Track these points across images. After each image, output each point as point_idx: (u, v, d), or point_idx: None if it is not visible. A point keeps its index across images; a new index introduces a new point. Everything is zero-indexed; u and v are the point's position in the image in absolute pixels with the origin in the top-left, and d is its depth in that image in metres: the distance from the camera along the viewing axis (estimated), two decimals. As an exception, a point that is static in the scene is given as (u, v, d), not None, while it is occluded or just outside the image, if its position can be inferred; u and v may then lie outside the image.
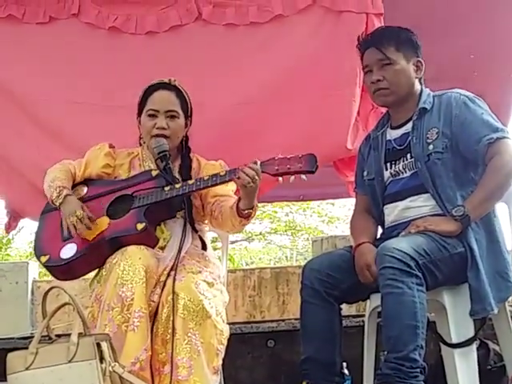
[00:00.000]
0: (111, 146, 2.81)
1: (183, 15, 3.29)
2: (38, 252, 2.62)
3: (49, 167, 2.82)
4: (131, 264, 2.37)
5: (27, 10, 3.31)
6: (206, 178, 2.54)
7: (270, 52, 3.24)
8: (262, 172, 2.43)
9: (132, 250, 2.41)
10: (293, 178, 2.43)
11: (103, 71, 3.28)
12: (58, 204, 2.61)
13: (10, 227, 3.46)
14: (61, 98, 3.29)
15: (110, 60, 3.30)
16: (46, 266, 2.58)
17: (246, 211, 2.50)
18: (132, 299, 2.32)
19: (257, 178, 2.40)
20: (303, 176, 2.43)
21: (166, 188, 2.55)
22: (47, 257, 2.56)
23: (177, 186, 2.54)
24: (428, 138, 2.47)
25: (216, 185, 2.53)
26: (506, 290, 2.43)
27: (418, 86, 2.57)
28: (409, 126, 2.55)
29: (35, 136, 3.30)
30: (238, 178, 2.42)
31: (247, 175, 2.40)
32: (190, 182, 2.55)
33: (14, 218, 3.44)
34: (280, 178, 2.45)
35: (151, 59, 3.26)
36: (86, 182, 2.74)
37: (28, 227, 3.55)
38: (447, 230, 2.36)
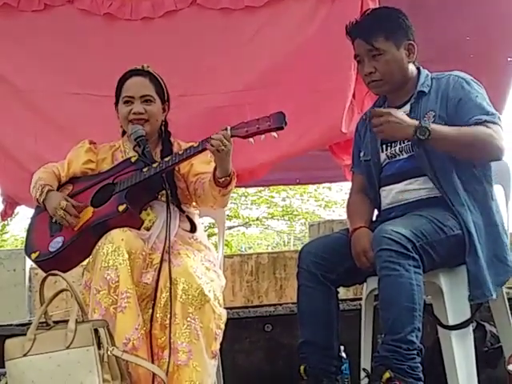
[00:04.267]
0: (92, 142, 2.84)
1: (178, 0, 3.27)
2: (29, 250, 2.64)
3: (46, 156, 2.82)
4: (114, 246, 2.40)
5: (22, -3, 3.29)
6: (180, 152, 2.57)
7: (267, 37, 3.23)
8: (233, 136, 2.46)
9: (115, 232, 2.44)
10: (263, 136, 2.45)
11: (99, 59, 3.28)
12: (41, 201, 2.64)
13: (5, 214, 3.47)
14: (57, 87, 3.30)
15: (106, 47, 3.29)
16: (37, 261, 2.59)
17: (223, 179, 2.52)
18: (117, 281, 2.35)
19: (226, 141, 2.43)
20: (274, 133, 2.44)
21: (145, 169, 2.58)
22: (37, 253, 2.59)
23: (154, 165, 2.57)
24: (425, 121, 2.46)
25: (191, 156, 2.55)
26: (504, 274, 2.43)
27: (412, 69, 2.55)
28: (406, 108, 2.53)
29: (32, 124, 3.30)
30: (211, 145, 2.44)
31: (217, 140, 2.43)
32: (166, 159, 2.58)
33: (9, 205, 3.45)
34: (251, 139, 2.47)
35: (147, 45, 3.25)
36: (72, 180, 2.76)
37: (23, 212, 3.56)
38: (398, 136, 2.39)
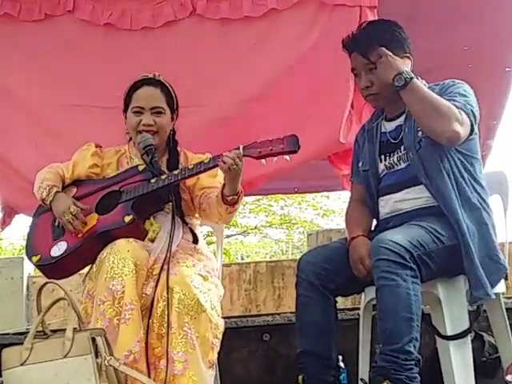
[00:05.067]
0: (98, 146, 2.82)
1: (177, 10, 3.28)
2: (30, 253, 2.62)
3: (45, 165, 2.81)
4: (120, 257, 2.38)
5: (23, 7, 3.29)
6: (190, 166, 2.55)
7: (267, 48, 3.24)
8: (245, 156, 2.45)
9: (121, 243, 2.42)
10: (275, 159, 2.45)
11: (100, 69, 3.27)
12: (48, 202, 2.62)
13: (4, 223, 3.46)
14: (58, 98, 3.29)
15: (107, 57, 3.29)
16: (38, 265, 2.58)
17: (231, 197, 2.51)
18: (122, 292, 2.34)
19: (238, 160, 2.42)
20: (286, 156, 2.44)
21: (152, 180, 2.56)
22: (38, 256, 2.57)
23: (162, 177, 2.55)
24: (418, 126, 2.46)
25: (200, 172, 2.54)
26: (496, 273, 2.42)
27: None
28: (402, 118, 2.55)
29: (33, 134, 3.30)
30: (223, 162, 2.43)
31: (230, 158, 2.42)
32: (175, 172, 2.56)
33: (8, 213, 3.44)
34: (263, 161, 2.46)
35: (147, 55, 3.26)
36: (76, 183, 2.74)
37: (20, 220, 3.54)
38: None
